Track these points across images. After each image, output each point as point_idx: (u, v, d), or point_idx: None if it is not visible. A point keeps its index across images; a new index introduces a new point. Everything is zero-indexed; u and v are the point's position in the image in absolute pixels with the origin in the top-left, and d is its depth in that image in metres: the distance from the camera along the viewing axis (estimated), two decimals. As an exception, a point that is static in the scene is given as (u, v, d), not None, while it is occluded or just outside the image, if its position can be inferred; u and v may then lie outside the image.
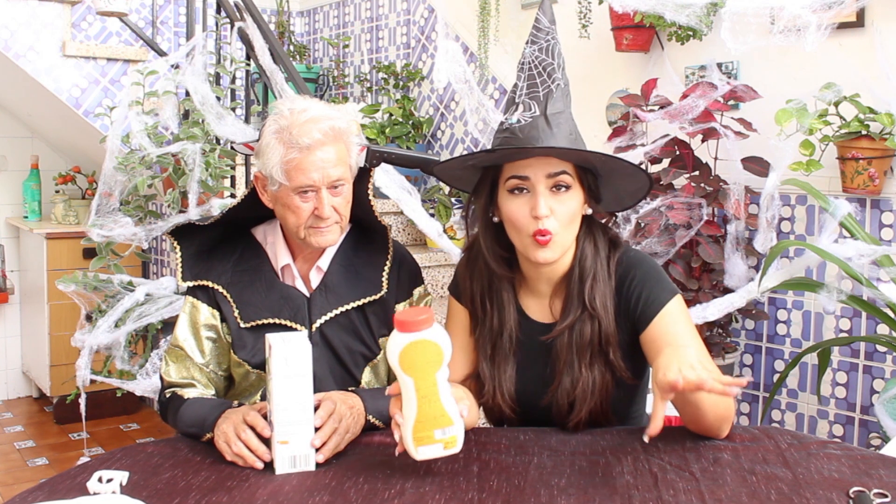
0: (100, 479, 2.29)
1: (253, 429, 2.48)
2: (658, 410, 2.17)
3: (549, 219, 2.58)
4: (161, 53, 5.78)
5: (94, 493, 2.27)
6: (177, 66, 4.87)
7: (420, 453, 2.29)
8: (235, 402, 2.72)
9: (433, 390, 2.28)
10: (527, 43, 2.74)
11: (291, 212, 2.75)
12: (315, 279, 2.90)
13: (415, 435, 2.27)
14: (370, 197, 2.94)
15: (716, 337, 4.67)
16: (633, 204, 2.87)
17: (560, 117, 2.62)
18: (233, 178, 5.12)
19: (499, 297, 2.80)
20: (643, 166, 4.81)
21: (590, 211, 2.71)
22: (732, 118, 4.56)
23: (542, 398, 2.73)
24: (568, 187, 2.61)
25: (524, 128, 2.61)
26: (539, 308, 2.81)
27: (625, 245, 2.80)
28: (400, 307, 2.99)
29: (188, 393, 2.83)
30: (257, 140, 2.81)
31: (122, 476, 2.32)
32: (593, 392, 2.66)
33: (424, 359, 2.25)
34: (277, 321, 2.85)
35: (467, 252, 2.89)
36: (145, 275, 7.25)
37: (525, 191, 2.61)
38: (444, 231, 5.28)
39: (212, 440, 2.58)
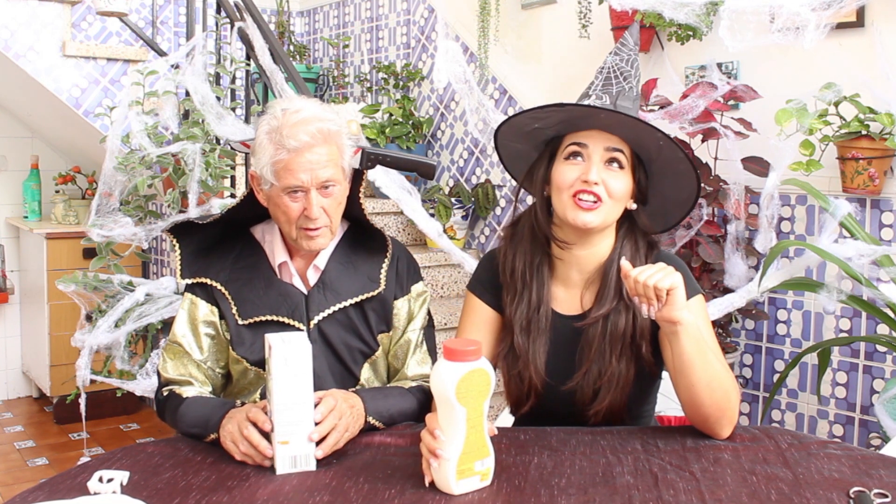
0: (100, 479, 2.29)
1: (255, 425, 2.48)
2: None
3: (599, 186, 2.66)
4: (161, 53, 5.77)
5: (95, 493, 2.27)
6: (177, 66, 4.87)
7: (459, 487, 2.26)
8: (238, 402, 2.72)
9: (480, 420, 2.28)
10: (610, 54, 2.83)
11: (282, 212, 2.77)
12: (312, 277, 2.91)
13: (458, 468, 2.25)
14: (360, 199, 2.94)
15: (716, 337, 4.67)
16: (677, 219, 2.91)
17: (628, 112, 2.69)
18: (233, 178, 5.12)
19: (539, 274, 2.85)
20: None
21: (633, 206, 2.77)
22: (732, 118, 4.57)
23: (566, 383, 2.75)
24: (621, 167, 2.69)
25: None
26: (566, 299, 2.85)
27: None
28: (398, 304, 2.99)
29: (186, 391, 2.83)
30: (254, 138, 2.82)
31: (122, 476, 2.32)
32: (618, 383, 2.71)
33: (477, 388, 2.25)
34: (276, 318, 2.85)
35: (512, 227, 2.95)
36: (145, 275, 7.26)
37: (580, 158, 2.70)
38: (444, 231, 5.29)
39: (215, 441, 2.58)
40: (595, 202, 2.66)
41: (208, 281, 2.91)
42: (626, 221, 2.81)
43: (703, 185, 4.42)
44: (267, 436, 2.46)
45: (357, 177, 2.94)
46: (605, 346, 2.73)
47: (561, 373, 2.79)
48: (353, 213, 2.97)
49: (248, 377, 2.90)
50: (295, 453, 2.41)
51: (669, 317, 2.46)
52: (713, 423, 2.57)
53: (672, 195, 2.82)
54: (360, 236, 3.01)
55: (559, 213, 2.74)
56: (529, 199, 2.90)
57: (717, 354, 2.60)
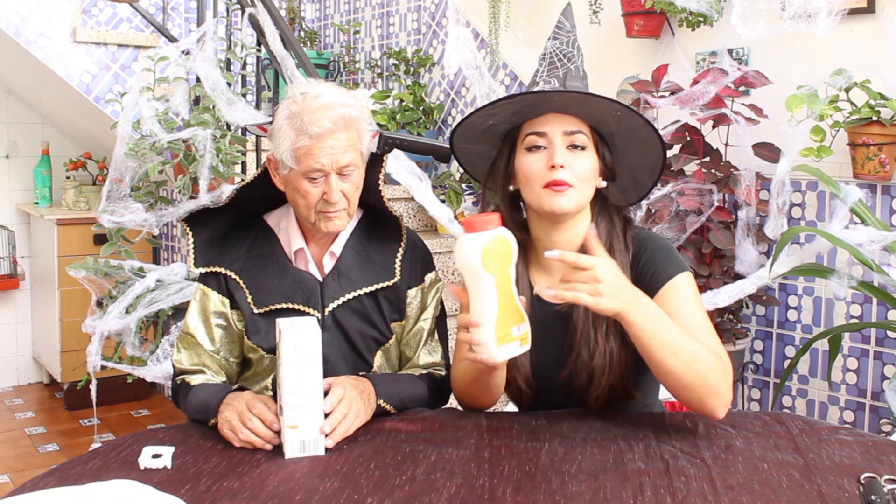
0: (153, 456, 2.37)
1: (260, 420, 2.50)
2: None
3: (566, 170, 2.63)
4: (172, 39, 5.78)
5: (146, 469, 2.34)
6: (187, 52, 4.87)
7: (501, 353, 2.33)
8: (235, 386, 2.75)
9: (509, 286, 2.34)
10: (549, 39, 2.83)
11: (301, 196, 2.77)
12: (328, 264, 2.91)
13: (497, 334, 2.32)
14: (380, 185, 2.95)
15: (727, 323, 4.67)
16: (649, 187, 2.90)
17: (577, 91, 2.68)
18: (243, 164, 5.12)
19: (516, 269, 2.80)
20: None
21: (604, 184, 2.76)
22: (743, 104, 4.56)
23: (560, 372, 2.73)
24: (583, 148, 2.67)
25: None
26: (550, 285, 2.80)
27: (636, 225, 2.85)
28: (412, 293, 3.00)
29: (195, 380, 2.85)
30: (271, 122, 2.82)
31: (169, 451, 2.40)
32: (611, 364, 2.66)
33: (502, 255, 2.32)
34: (291, 306, 2.86)
35: None
36: (156, 261, 7.27)
37: (542, 148, 2.67)
38: (455, 217, 5.29)
39: (216, 426, 2.60)
40: (564, 187, 2.64)
41: (222, 270, 2.91)
42: (598, 201, 2.80)
43: (714, 171, 4.43)
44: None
45: (376, 162, 2.95)
46: (588, 328, 2.69)
47: (551, 366, 2.76)
48: (369, 200, 2.97)
49: (263, 364, 2.92)
50: (304, 438, 2.42)
51: (605, 311, 2.45)
52: (697, 405, 2.53)
53: (639, 164, 2.82)
54: (375, 224, 3.01)
55: (533, 205, 2.73)
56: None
57: (699, 334, 2.57)
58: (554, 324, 2.76)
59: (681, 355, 2.48)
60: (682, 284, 2.68)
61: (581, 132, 2.67)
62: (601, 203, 2.80)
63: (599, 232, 2.74)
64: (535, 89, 2.73)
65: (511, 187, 2.79)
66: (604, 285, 2.40)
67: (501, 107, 2.71)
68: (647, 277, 2.69)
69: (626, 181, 2.85)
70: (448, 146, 3.24)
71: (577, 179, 2.65)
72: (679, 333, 2.51)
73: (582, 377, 2.69)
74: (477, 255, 2.29)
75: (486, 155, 2.89)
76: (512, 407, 3.12)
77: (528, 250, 2.84)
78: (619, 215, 2.82)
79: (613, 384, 2.68)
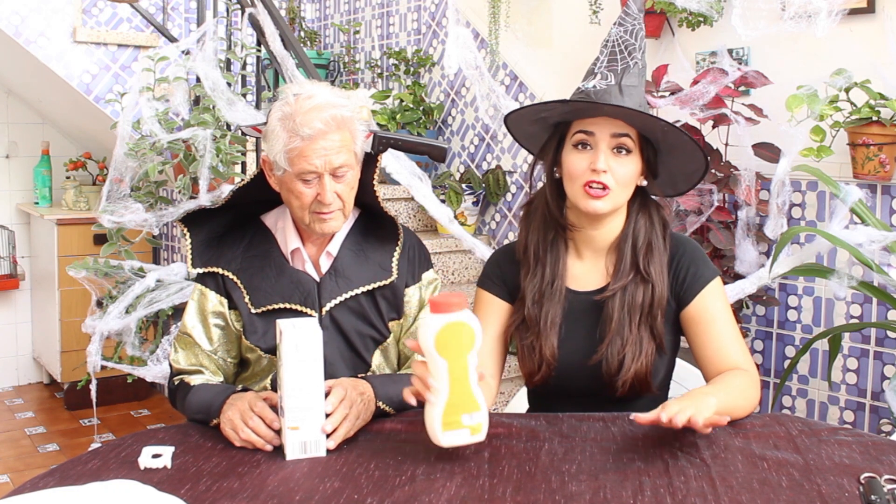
0: (153, 455, 2.37)
1: (261, 419, 2.50)
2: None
3: (607, 174, 2.70)
4: (172, 39, 5.78)
5: (146, 469, 2.34)
6: (187, 52, 4.87)
7: (446, 439, 2.30)
8: (239, 387, 2.74)
9: (465, 374, 2.29)
10: (614, 24, 2.86)
11: (295, 197, 2.78)
12: (325, 264, 2.91)
13: (444, 419, 2.29)
14: (375, 185, 2.95)
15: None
16: (686, 188, 2.97)
17: (633, 90, 2.75)
18: (243, 164, 5.12)
19: (554, 249, 2.88)
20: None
21: (644, 182, 2.83)
22: (743, 104, 4.56)
23: (589, 358, 2.77)
24: (629, 151, 2.73)
25: (598, 91, 2.74)
26: (582, 275, 2.89)
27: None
28: (410, 291, 3.00)
29: (194, 380, 2.85)
30: (265, 123, 2.82)
31: (169, 451, 2.40)
32: (640, 352, 2.74)
33: (459, 341, 2.28)
34: (288, 306, 2.86)
35: (527, 206, 2.99)
36: (156, 261, 7.26)
37: (588, 147, 2.73)
38: (455, 217, 5.29)
39: (219, 426, 2.60)
40: (603, 189, 2.69)
41: (220, 270, 2.91)
42: (638, 197, 2.86)
43: (714, 171, 4.43)
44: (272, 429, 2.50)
45: (370, 162, 2.95)
46: (624, 317, 2.76)
47: (579, 349, 2.80)
48: (365, 200, 2.98)
49: (261, 364, 2.92)
50: (305, 439, 2.41)
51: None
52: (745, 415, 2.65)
53: (679, 169, 2.88)
54: (371, 224, 3.01)
55: (571, 200, 2.78)
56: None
57: (732, 344, 2.73)
58: (587, 311, 2.84)
59: (739, 409, 2.60)
60: (717, 289, 2.81)
61: (628, 135, 2.72)
62: (640, 201, 2.87)
63: (637, 230, 2.84)
64: (592, 83, 2.77)
65: (557, 174, 2.84)
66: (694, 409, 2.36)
67: (553, 107, 2.80)
68: (687, 279, 2.81)
69: (665, 179, 2.92)
70: (444, 145, 3.25)
71: (616, 183, 2.72)
72: (730, 392, 2.60)
73: (612, 363, 2.75)
74: (432, 337, 2.27)
75: (538, 137, 2.95)
76: (512, 407, 3.12)
77: (566, 235, 2.90)
78: (658, 215, 2.88)
79: (637, 373, 2.73)
